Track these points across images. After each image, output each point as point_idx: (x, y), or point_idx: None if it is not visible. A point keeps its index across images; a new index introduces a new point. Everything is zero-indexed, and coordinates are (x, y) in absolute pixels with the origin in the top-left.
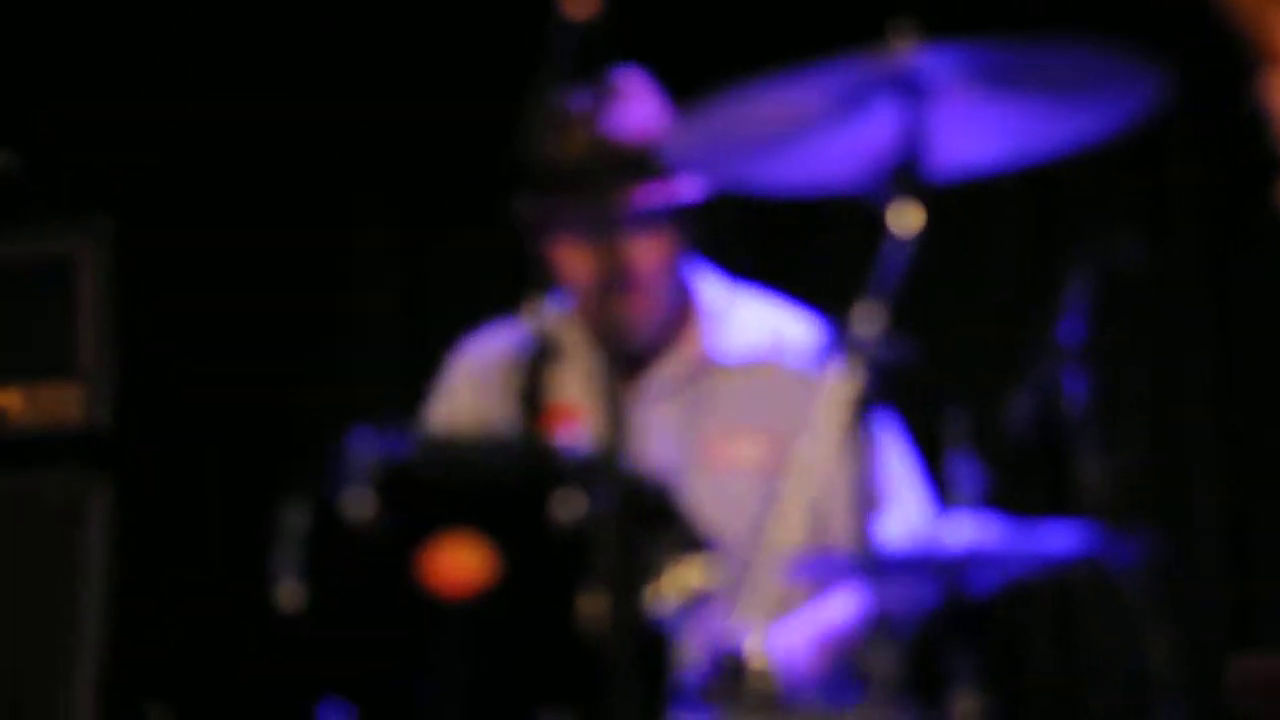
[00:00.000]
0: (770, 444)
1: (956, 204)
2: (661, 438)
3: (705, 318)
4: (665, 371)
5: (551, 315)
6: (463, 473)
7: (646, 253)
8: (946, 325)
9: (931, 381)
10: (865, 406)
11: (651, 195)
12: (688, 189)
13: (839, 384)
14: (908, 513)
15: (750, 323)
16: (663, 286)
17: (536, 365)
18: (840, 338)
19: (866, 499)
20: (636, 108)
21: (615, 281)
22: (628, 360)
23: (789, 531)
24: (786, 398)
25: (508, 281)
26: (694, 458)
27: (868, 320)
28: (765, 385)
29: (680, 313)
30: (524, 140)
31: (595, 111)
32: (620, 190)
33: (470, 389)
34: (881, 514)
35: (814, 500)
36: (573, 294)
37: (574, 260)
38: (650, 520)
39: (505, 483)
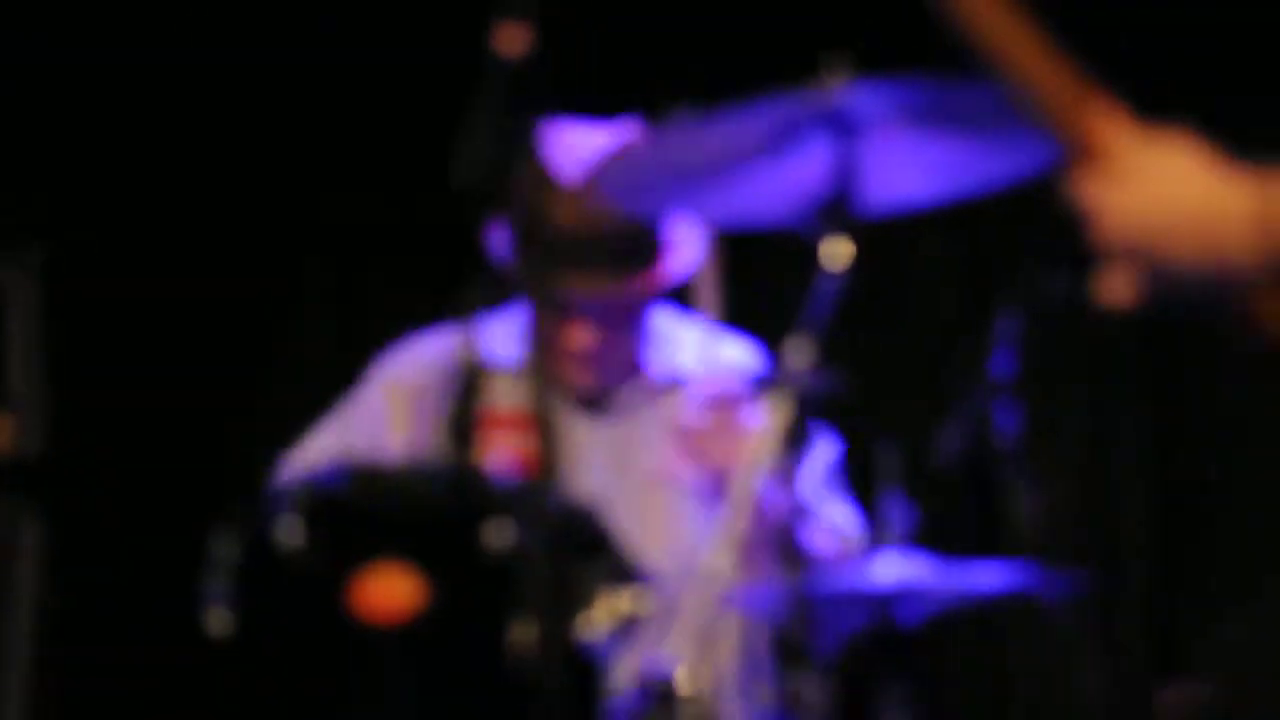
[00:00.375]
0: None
1: (887, 239)
2: (596, 453)
3: (650, 341)
4: (621, 396)
5: (487, 330)
6: (393, 501)
7: (629, 332)
8: (877, 359)
9: (860, 415)
10: (795, 437)
11: (651, 279)
12: (681, 264)
13: (770, 415)
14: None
15: (687, 345)
16: (633, 345)
17: (466, 392)
18: (771, 370)
19: (797, 525)
20: None
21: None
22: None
23: (721, 561)
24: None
25: (443, 308)
26: (627, 476)
27: (798, 353)
28: (679, 407)
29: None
30: (510, 195)
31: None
32: (625, 275)
33: (395, 404)
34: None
35: (746, 530)
36: (547, 354)
37: (565, 331)
38: (581, 548)
39: (435, 511)
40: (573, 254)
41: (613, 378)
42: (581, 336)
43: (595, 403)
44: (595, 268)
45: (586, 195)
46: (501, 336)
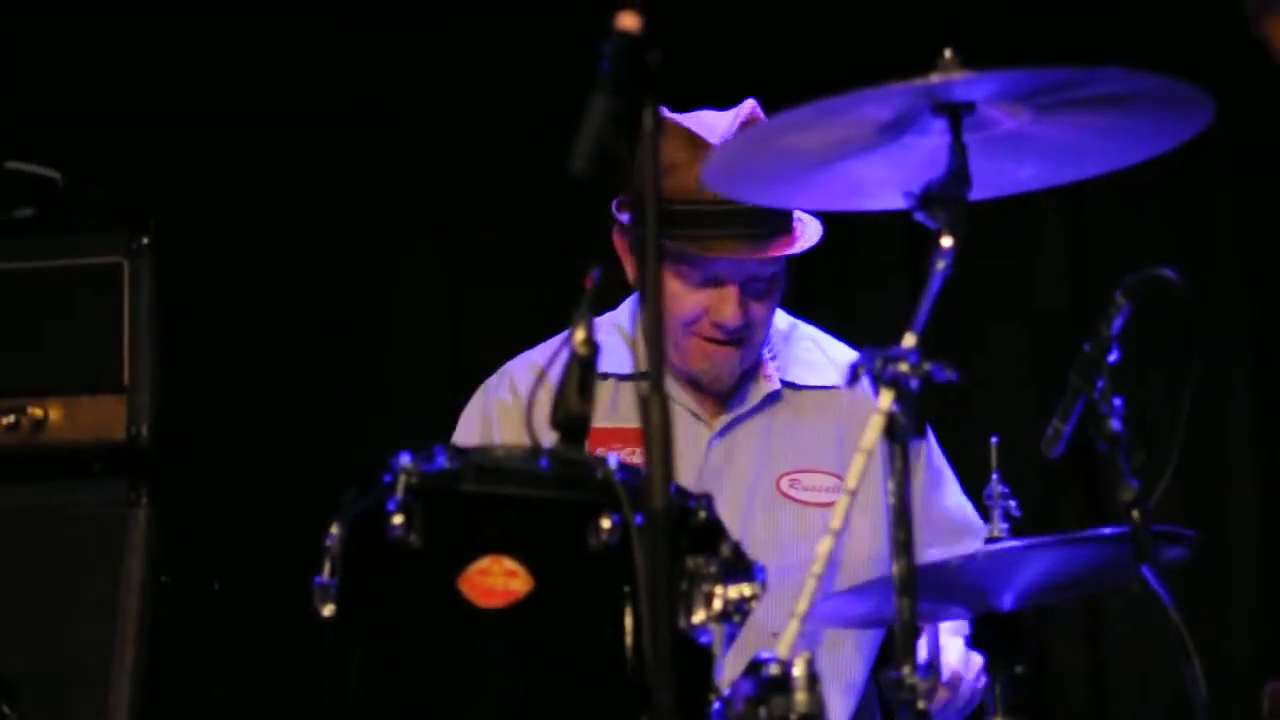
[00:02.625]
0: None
1: (997, 228)
2: (742, 466)
3: (779, 343)
4: (746, 398)
5: (601, 330)
6: (505, 489)
7: (768, 307)
8: (985, 346)
9: (969, 405)
10: (905, 429)
11: (788, 246)
12: (811, 235)
13: (879, 408)
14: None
15: (814, 351)
16: (766, 332)
17: (580, 386)
18: (881, 360)
19: (905, 522)
20: None
21: (742, 333)
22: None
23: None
24: (861, 429)
25: (554, 304)
26: (774, 488)
27: (908, 342)
28: (840, 416)
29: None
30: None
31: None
32: (768, 241)
33: (506, 419)
34: (968, 538)
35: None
36: (669, 327)
37: (684, 296)
38: (695, 540)
39: (547, 500)
40: (717, 221)
41: (742, 365)
42: (729, 310)
43: (714, 400)
44: (741, 233)
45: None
46: (611, 341)
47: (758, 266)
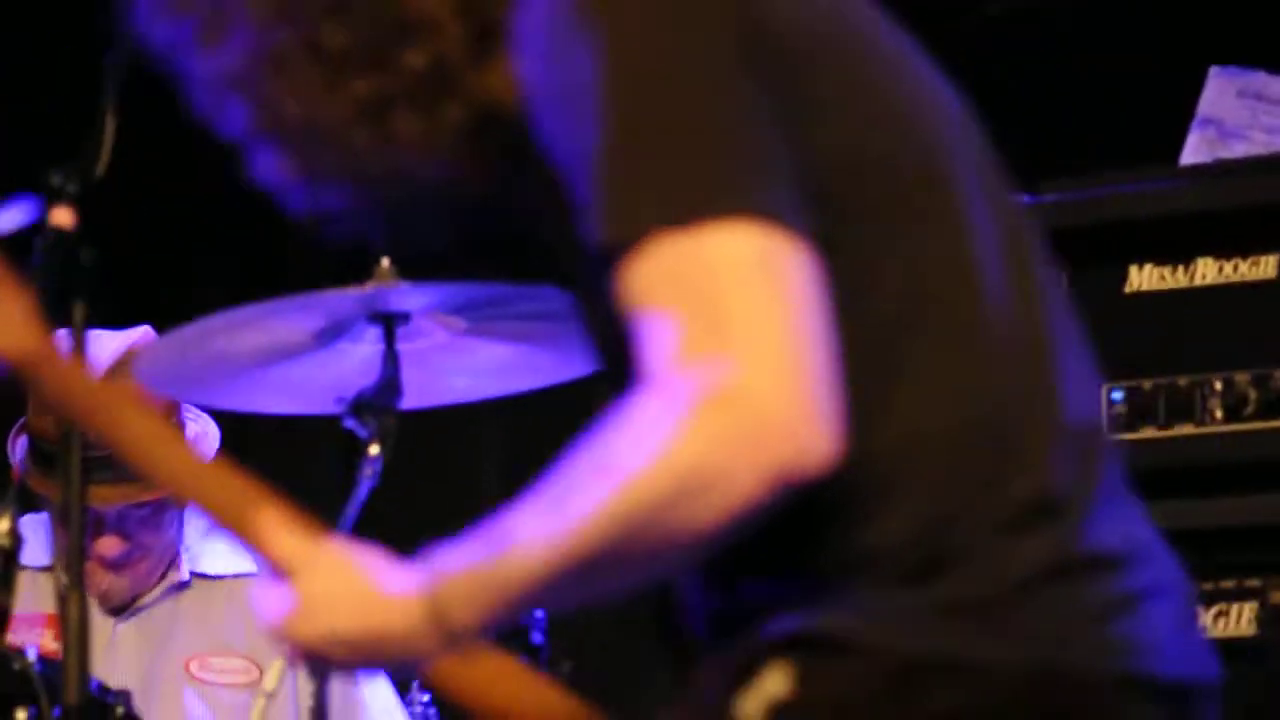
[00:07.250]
0: (254, 666)
1: (431, 432)
2: (149, 648)
3: (194, 538)
4: (153, 587)
5: (30, 526)
6: None
7: (159, 531)
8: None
9: None
10: None
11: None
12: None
13: None
14: None
15: (210, 544)
16: (167, 553)
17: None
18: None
19: None
20: None
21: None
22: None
23: None
24: None
25: None
26: (183, 669)
27: None
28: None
29: None
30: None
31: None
32: (140, 482)
33: None
34: None
35: None
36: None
37: (94, 543)
38: None
39: None
40: (90, 466)
41: (145, 582)
42: (110, 545)
43: (124, 605)
44: (109, 477)
45: None
46: (34, 538)
47: (137, 504)
